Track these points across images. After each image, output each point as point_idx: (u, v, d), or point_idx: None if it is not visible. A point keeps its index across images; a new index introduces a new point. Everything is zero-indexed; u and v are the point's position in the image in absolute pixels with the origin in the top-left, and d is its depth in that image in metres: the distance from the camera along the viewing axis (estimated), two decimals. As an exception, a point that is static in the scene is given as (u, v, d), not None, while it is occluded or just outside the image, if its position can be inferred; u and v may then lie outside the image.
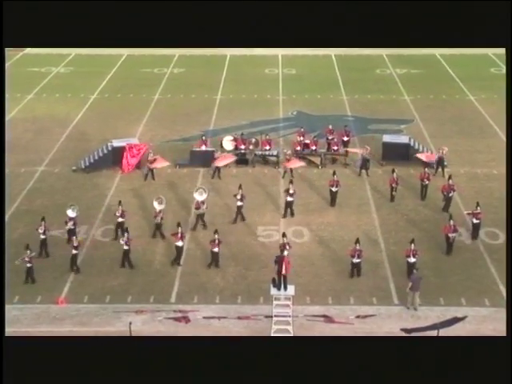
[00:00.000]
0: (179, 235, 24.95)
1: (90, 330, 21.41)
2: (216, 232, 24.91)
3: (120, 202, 27.19)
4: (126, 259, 24.95)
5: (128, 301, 23.29)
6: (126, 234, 24.94)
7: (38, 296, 23.48)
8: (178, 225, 25.15)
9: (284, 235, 24.36)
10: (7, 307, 21.44)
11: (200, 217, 27.52)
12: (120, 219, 26.68)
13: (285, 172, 31.99)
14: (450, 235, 25.34)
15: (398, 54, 51.55)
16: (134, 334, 20.45)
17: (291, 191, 28.12)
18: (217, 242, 24.77)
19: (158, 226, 26.88)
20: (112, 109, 41.34)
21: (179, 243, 25.06)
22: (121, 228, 26.48)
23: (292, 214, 28.45)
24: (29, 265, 23.92)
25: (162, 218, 26.81)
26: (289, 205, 28.38)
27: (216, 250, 24.88)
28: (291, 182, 28.76)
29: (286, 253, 22.20)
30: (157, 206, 27.03)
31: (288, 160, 32.00)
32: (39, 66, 50.15)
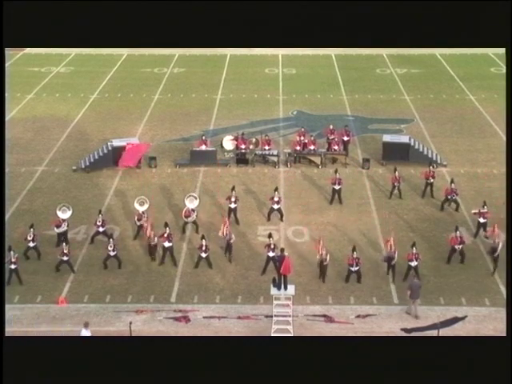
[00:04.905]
0: (165, 235, 24.88)
1: (90, 329, 21.39)
2: (203, 238, 24.88)
3: (100, 211, 26.91)
4: (108, 260, 24.83)
5: (128, 301, 23.31)
6: (111, 240, 24.77)
7: (38, 296, 23.50)
8: (166, 225, 25.12)
9: (270, 236, 24.34)
10: (7, 307, 21.43)
11: (190, 223, 27.20)
12: (101, 228, 26.13)
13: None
14: (456, 247, 24.78)
15: (397, 53, 51.60)
16: (134, 334, 20.46)
17: (276, 199, 27.58)
18: (204, 248, 24.72)
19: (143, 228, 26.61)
20: (112, 109, 41.32)
21: (166, 244, 24.98)
22: (104, 235, 26.04)
23: (281, 219, 28.01)
24: (13, 266, 23.73)
25: (147, 218, 26.67)
26: (274, 211, 27.90)
27: (203, 255, 24.83)
28: (276, 189, 27.98)
29: (284, 253, 22.14)
30: (139, 208, 26.78)
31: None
32: (39, 66, 50.12)
